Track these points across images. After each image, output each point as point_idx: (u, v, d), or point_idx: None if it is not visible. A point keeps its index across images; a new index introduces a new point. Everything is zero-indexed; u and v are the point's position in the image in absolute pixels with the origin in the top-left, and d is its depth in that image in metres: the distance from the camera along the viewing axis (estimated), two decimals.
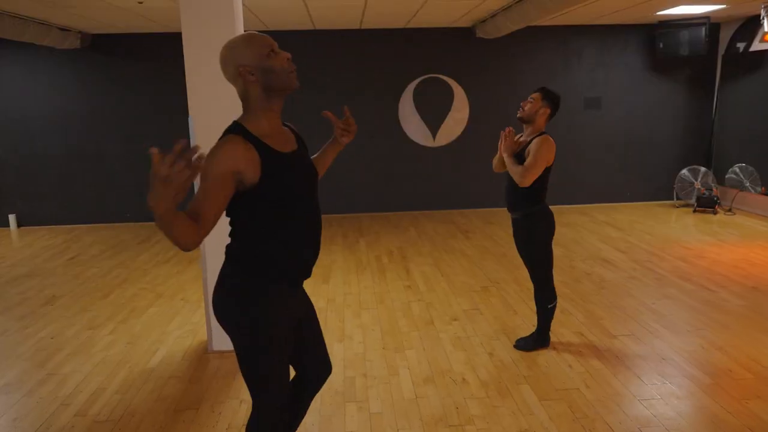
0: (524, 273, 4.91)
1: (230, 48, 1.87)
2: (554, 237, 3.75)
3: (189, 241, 1.68)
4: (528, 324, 4.15)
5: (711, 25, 7.75)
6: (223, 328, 1.96)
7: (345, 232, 7.25)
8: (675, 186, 8.21)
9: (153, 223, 1.75)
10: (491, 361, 3.62)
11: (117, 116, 7.85)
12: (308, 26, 7.50)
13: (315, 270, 2.49)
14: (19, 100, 7.70)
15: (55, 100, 7.75)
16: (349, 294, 4.94)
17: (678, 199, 8.26)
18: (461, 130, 8.21)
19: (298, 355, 2.15)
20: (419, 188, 8.34)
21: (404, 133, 8.15)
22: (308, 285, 2.29)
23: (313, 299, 2.29)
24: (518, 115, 3.61)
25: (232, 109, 2.10)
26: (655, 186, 8.58)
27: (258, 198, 1.83)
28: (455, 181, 8.37)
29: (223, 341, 3.77)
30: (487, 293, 4.87)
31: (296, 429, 2.32)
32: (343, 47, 7.91)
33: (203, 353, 3.85)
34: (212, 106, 3.51)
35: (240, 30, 3.66)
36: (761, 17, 6.42)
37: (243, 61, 1.84)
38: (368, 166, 8.21)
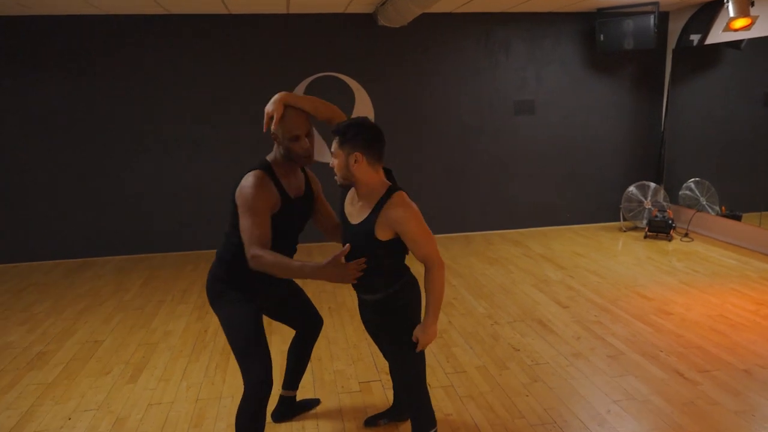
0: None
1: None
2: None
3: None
4: None
5: (660, 13, 6.46)
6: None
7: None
8: (621, 206, 6.88)
9: None
10: None
11: None
12: (160, 10, 5.71)
13: None
14: None
15: None
16: None
17: (625, 220, 6.94)
18: None
19: (290, 319, 2.83)
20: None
21: None
22: None
23: None
24: (337, 183, 2.30)
25: None
26: (598, 205, 7.25)
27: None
28: None
29: None
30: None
31: (302, 372, 2.98)
32: (207, 36, 6.16)
33: None
34: None
35: None
36: (725, 1, 5.12)
37: (278, 127, 2.32)
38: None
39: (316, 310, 2.89)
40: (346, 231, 2.34)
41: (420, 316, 2.44)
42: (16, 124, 6.00)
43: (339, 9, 6.01)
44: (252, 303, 2.46)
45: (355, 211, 2.28)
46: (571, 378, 3.36)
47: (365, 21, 6.35)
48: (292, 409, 3.06)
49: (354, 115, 6.46)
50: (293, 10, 6.02)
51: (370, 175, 2.21)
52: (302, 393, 3.26)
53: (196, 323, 4.38)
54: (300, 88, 6.38)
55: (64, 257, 6.31)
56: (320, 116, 2.42)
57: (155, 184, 6.34)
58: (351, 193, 2.36)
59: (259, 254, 2.12)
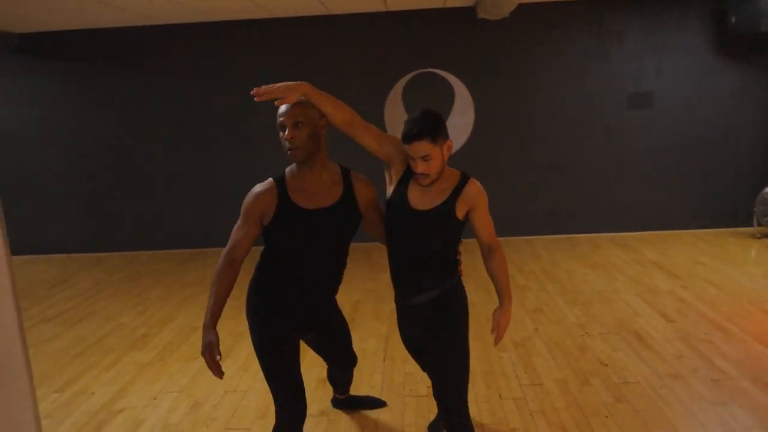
0: None
1: None
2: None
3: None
4: None
5: None
6: None
7: None
8: (756, 209, 6.10)
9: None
10: None
11: (56, 132, 6.64)
12: (257, 14, 5.98)
13: None
14: None
15: None
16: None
17: (760, 225, 6.14)
18: (465, 139, 6.46)
19: (324, 356, 2.70)
20: None
21: None
22: None
23: None
24: (426, 183, 2.19)
25: None
26: (727, 208, 6.48)
27: (266, 236, 2.24)
28: None
29: None
30: None
31: (346, 385, 2.96)
32: (308, 37, 6.33)
33: None
34: None
35: None
36: None
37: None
38: None
39: (352, 353, 2.73)
40: (410, 218, 2.23)
41: (468, 322, 2.33)
42: (142, 122, 6.59)
43: (437, 4, 5.90)
44: (284, 327, 2.30)
45: (428, 198, 2.23)
46: (663, 401, 3.01)
47: (464, 15, 6.18)
48: (350, 404, 3.06)
49: (454, 113, 6.35)
50: (391, 8, 6.02)
51: (445, 161, 2.22)
52: (371, 392, 3.24)
53: None
54: (398, 87, 6.37)
55: (181, 247, 6.83)
56: (339, 119, 2.21)
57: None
58: (417, 181, 2.23)
59: (219, 260, 2.16)
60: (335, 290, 2.44)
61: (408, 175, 2.25)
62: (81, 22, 5.96)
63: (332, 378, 2.92)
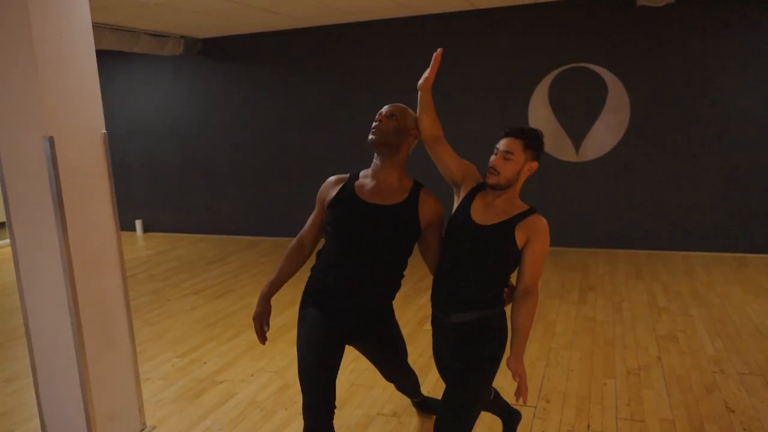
0: None
1: None
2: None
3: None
4: None
5: None
6: None
7: None
8: None
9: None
10: None
11: (224, 125, 7.45)
12: (401, 12, 6.04)
13: None
14: (143, 109, 7.80)
15: (170, 109, 7.66)
16: None
17: None
18: (617, 139, 5.87)
19: (375, 365, 2.63)
20: (555, 216, 6.22)
21: None
22: None
23: None
24: (491, 182, 2.18)
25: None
26: None
27: (325, 224, 2.33)
28: (604, 211, 6.06)
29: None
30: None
31: (413, 389, 2.83)
32: (450, 35, 6.24)
33: None
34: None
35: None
36: None
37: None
38: None
39: (405, 370, 2.64)
40: (468, 231, 2.17)
41: (499, 365, 2.18)
42: (298, 117, 7.09)
43: None
44: (324, 328, 2.21)
45: (490, 215, 2.18)
46: None
47: (621, 3, 5.61)
48: (425, 407, 2.99)
49: (606, 111, 5.84)
50: None
51: (520, 184, 2.22)
52: None
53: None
54: (544, 84, 6.01)
55: None
56: (431, 131, 2.27)
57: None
58: (483, 197, 2.22)
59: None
60: (384, 302, 2.35)
61: (475, 192, 2.23)
62: (248, 28, 6.59)
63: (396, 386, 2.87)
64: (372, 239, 2.21)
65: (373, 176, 2.27)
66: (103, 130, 2.69)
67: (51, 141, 2.42)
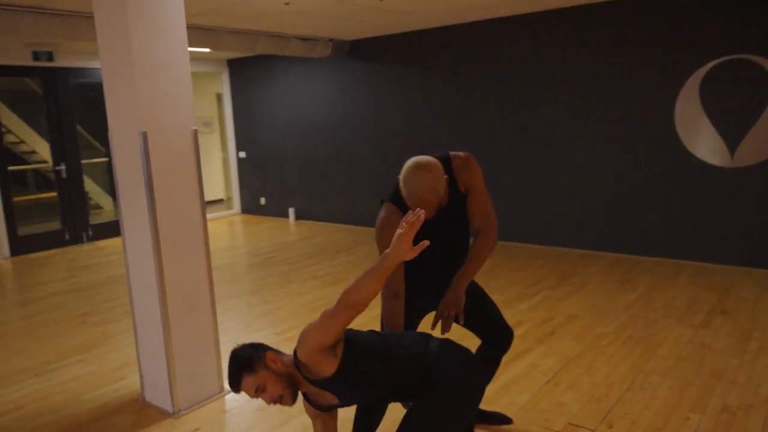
0: None
1: None
2: None
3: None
4: None
5: None
6: None
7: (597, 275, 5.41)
8: None
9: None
10: None
11: (368, 122, 7.85)
12: (523, 9, 5.80)
13: None
14: (299, 106, 8.53)
15: (322, 107, 8.27)
16: None
17: None
18: None
19: (474, 325, 2.57)
20: (700, 228, 5.54)
21: (683, 147, 5.51)
22: None
23: None
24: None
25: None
26: None
27: None
28: (765, 224, 5.24)
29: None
30: None
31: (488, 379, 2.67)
32: (583, 26, 5.83)
33: None
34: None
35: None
36: None
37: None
38: (623, 191, 5.91)
39: (504, 323, 2.60)
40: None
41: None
42: (433, 115, 7.21)
43: None
44: (416, 310, 2.47)
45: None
46: None
47: None
48: (478, 416, 2.93)
49: None
50: None
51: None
52: (509, 408, 3.03)
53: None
54: (695, 78, 5.36)
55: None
56: (375, 291, 1.91)
57: (589, 180, 6.51)
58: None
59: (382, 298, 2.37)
60: (464, 259, 2.47)
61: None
62: (385, 30, 6.85)
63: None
64: (445, 236, 2.42)
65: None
66: (194, 127, 3.09)
67: (144, 136, 2.86)
